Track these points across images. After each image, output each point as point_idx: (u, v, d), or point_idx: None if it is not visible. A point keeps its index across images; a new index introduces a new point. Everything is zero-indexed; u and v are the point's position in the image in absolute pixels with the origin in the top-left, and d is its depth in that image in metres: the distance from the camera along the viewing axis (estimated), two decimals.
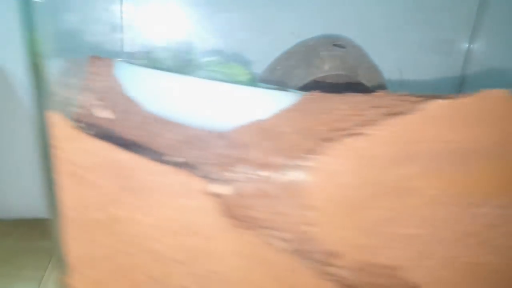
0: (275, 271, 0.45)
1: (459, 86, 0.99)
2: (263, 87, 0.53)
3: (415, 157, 0.48)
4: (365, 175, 0.47)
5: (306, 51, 0.83)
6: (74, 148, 0.40)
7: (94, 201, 0.41)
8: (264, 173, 0.44)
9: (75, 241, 0.41)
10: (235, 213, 0.45)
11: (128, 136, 0.47)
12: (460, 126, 0.48)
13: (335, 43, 0.78)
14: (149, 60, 0.74)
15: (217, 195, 0.43)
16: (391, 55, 0.90)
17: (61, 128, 0.42)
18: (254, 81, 0.78)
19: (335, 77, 0.80)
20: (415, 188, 0.48)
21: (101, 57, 0.63)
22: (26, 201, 1.05)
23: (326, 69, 0.80)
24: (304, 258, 0.46)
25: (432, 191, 0.49)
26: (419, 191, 0.48)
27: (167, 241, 0.43)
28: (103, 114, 0.50)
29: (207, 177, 0.44)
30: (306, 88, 0.80)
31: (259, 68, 0.87)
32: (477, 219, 0.51)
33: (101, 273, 0.42)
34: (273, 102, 0.51)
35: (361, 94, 0.49)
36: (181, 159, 0.44)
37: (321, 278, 0.46)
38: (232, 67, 0.79)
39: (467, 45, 0.97)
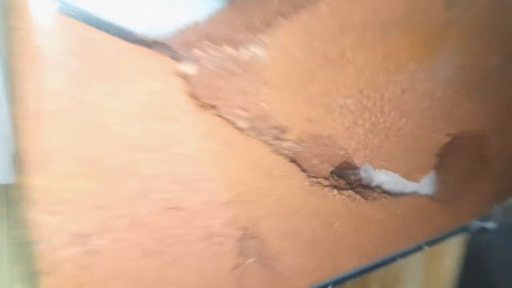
0: (235, 149, 0.48)
1: None
2: None
3: (350, 28, 0.54)
4: (310, 49, 0.51)
5: None
6: (39, 29, 0.36)
7: (59, 87, 0.37)
8: (227, 50, 0.45)
9: (36, 133, 0.38)
10: (201, 93, 0.45)
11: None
12: None
13: None
14: None
15: (184, 75, 0.43)
16: None
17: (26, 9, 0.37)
18: None
19: None
20: (348, 58, 0.54)
21: None
22: None
23: None
24: (260, 135, 0.49)
25: (360, 61, 0.55)
26: (351, 61, 0.54)
27: (135, 126, 0.42)
28: None
29: (174, 57, 0.43)
30: None
31: None
32: (394, 85, 0.60)
33: (65, 167, 0.40)
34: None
35: None
36: (150, 39, 0.42)
37: (274, 153, 0.50)
38: None
39: None
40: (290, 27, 0.47)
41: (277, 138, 0.50)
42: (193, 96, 0.43)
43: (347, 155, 0.58)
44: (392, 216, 0.68)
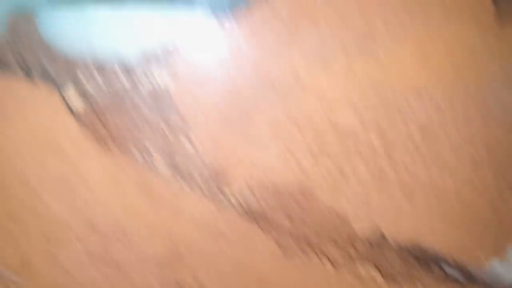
0: (160, 197, 0.40)
1: None
2: None
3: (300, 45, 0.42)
4: (244, 73, 0.41)
5: None
6: None
7: None
8: (125, 80, 0.40)
9: None
10: (99, 129, 0.40)
11: None
12: None
13: None
14: None
15: (76, 110, 0.40)
16: None
17: None
18: None
19: None
20: (305, 83, 0.41)
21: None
22: None
23: None
24: (190, 181, 0.41)
25: (327, 86, 0.42)
26: (310, 86, 0.42)
27: (30, 165, 0.40)
28: None
29: (62, 90, 0.40)
30: None
31: None
32: (408, 118, 0.43)
33: None
34: None
35: None
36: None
37: (217, 205, 0.41)
38: None
39: None
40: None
41: (217, 187, 0.41)
42: (92, 132, 0.40)
43: (341, 218, 0.44)
44: None
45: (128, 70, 0.41)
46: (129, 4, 0.48)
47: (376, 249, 0.50)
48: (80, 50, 0.43)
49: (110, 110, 0.40)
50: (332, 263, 0.45)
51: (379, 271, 0.49)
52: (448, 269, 0.58)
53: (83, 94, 0.40)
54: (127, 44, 0.45)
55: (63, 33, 0.47)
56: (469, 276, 0.61)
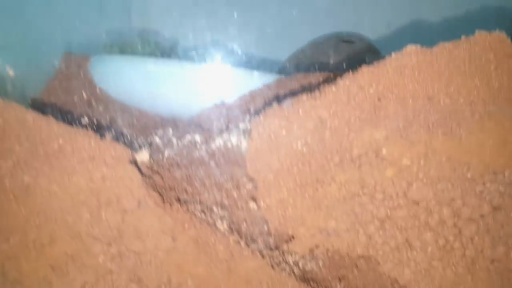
0: (214, 255, 0.38)
1: None
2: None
3: (383, 119, 0.40)
4: (323, 141, 0.39)
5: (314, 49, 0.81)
6: None
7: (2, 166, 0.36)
8: (197, 138, 0.37)
9: None
10: (163, 184, 0.38)
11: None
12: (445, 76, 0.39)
13: (345, 39, 0.79)
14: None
15: (141, 163, 0.37)
16: None
17: None
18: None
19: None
20: (384, 156, 0.39)
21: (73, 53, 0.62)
22: None
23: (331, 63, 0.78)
24: (251, 241, 0.38)
25: (406, 161, 0.40)
26: (389, 159, 0.39)
27: (84, 215, 0.37)
28: None
29: (130, 145, 0.38)
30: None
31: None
32: (477, 198, 0.41)
33: (13, 249, 0.36)
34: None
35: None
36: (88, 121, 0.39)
37: (274, 268, 0.38)
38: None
39: None
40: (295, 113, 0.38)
41: (277, 249, 0.39)
42: (153, 187, 0.37)
43: (398, 286, 0.42)
44: None
45: (201, 126, 0.38)
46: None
47: None
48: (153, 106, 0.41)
49: (177, 164, 0.38)
50: None
51: None
52: None
53: (151, 147, 0.37)
54: (202, 99, 0.43)
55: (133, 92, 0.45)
56: None
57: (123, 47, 0.70)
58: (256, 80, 0.45)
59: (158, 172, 0.37)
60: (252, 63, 0.80)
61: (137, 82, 0.47)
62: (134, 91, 0.46)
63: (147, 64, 0.48)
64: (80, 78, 0.53)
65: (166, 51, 0.77)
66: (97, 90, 0.49)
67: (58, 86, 0.56)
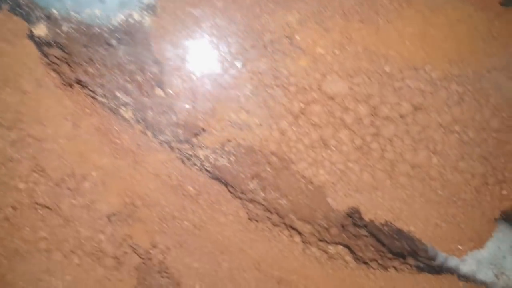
0: (116, 145, 0.35)
1: None
2: None
3: (296, 1, 0.36)
4: (234, 23, 0.36)
5: None
6: None
7: None
8: (97, 12, 0.34)
9: None
10: (62, 64, 0.35)
11: None
12: None
13: None
14: None
15: (40, 39, 0.34)
16: None
17: None
18: None
19: None
20: (298, 43, 0.36)
21: None
22: None
23: None
24: (157, 132, 0.35)
25: (320, 49, 0.36)
26: (303, 47, 0.36)
27: None
28: None
29: (27, 18, 0.34)
30: None
31: None
32: (395, 96, 0.38)
33: None
34: None
35: None
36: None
37: (184, 162, 0.36)
38: None
39: None
40: None
41: (187, 142, 0.36)
42: (51, 66, 0.34)
43: (317, 190, 0.39)
44: None
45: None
46: None
47: (350, 228, 0.47)
48: None
49: (76, 41, 0.35)
50: (301, 237, 0.42)
51: (351, 251, 0.46)
52: (423, 256, 0.56)
53: (49, 20, 0.34)
54: None
55: None
56: (444, 266, 0.60)
57: None
58: None
59: (56, 49, 0.33)
60: None
61: None
62: None
63: None
64: None
65: None
66: None
67: None
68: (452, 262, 0.70)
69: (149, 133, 0.39)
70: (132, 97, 0.37)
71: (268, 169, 0.41)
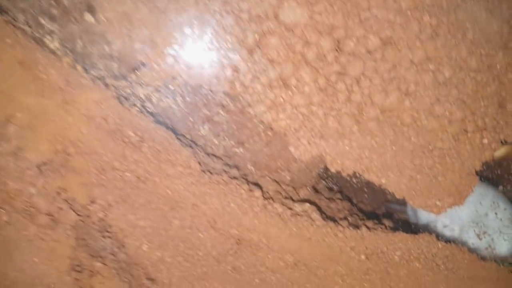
0: (42, 81, 0.29)
1: None
2: None
3: None
4: None
5: None
6: None
7: None
8: None
9: None
10: None
11: None
12: None
13: None
14: None
15: None
16: None
17: None
18: None
19: None
20: None
21: None
22: None
23: None
24: (88, 65, 0.30)
25: None
26: None
27: None
28: None
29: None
30: None
31: None
32: (362, 27, 0.33)
33: None
34: None
35: None
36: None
37: (121, 103, 0.30)
38: None
39: None
40: None
41: (124, 78, 0.30)
42: None
43: (277, 138, 0.35)
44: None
45: None
46: None
47: (316, 181, 0.43)
48: None
49: None
50: (262, 192, 0.38)
51: (317, 208, 0.42)
52: (396, 213, 0.53)
53: None
54: None
55: None
56: (417, 223, 0.56)
57: None
58: None
59: None
60: None
61: None
62: None
63: None
64: None
65: None
66: None
67: None
68: (430, 219, 0.66)
69: (79, 67, 0.34)
70: (59, 24, 0.32)
71: (222, 113, 0.37)
